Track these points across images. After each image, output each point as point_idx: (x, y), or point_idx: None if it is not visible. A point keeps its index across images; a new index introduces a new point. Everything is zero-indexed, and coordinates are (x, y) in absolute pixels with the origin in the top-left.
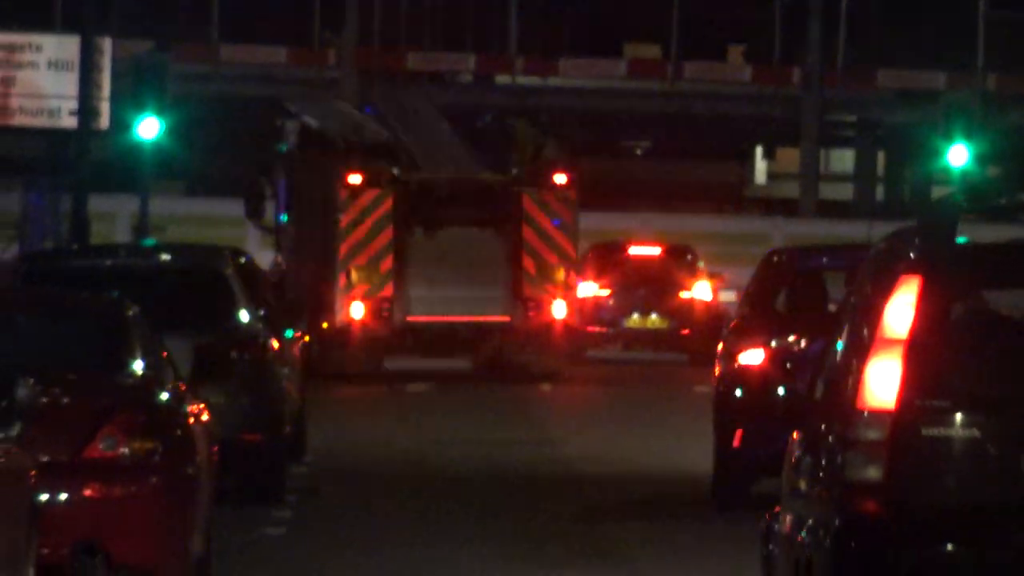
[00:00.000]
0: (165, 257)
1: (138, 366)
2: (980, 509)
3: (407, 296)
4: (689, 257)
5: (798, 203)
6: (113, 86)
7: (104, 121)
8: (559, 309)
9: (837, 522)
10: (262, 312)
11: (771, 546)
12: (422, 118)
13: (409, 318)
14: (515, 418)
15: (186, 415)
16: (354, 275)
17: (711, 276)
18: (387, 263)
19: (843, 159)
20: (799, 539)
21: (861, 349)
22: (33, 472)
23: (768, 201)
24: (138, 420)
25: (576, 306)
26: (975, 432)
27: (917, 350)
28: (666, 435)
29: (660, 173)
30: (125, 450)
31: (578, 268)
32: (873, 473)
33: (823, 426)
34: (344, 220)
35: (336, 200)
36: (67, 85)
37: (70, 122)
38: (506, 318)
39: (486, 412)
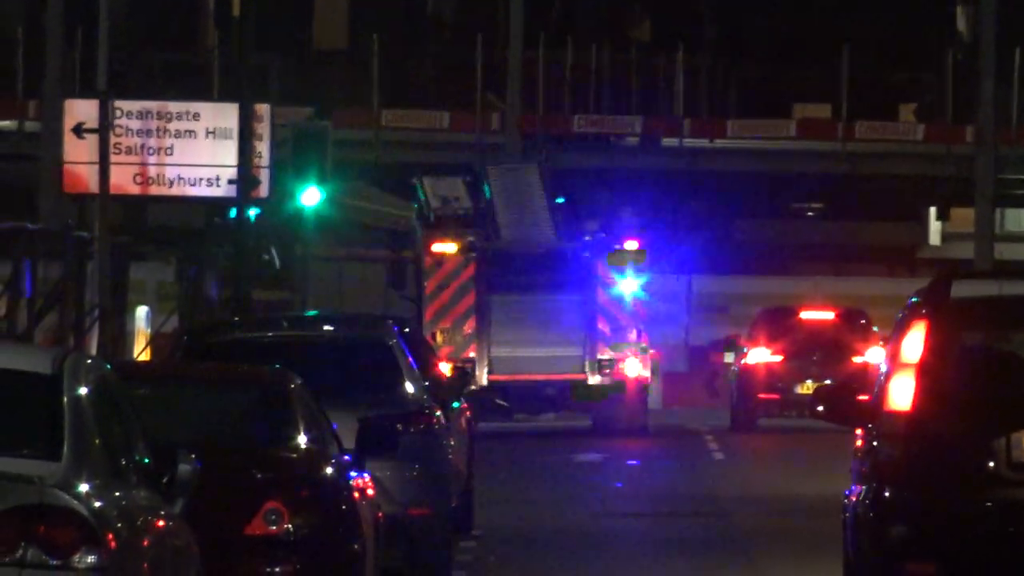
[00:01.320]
0: (329, 328)
1: (302, 440)
2: (967, 476)
3: (488, 357)
4: (862, 321)
5: (973, 264)
6: (273, 154)
7: (264, 190)
8: (632, 367)
9: (872, 484)
10: (427, 383)
11: (846, 512)
12: (524, 187)
13: (490, 377)
14: (683, 486)
15: (351, 490)
16: (439, 337)
17: (885, 340)
18: (470, 325)
19: (1019, 218)
20: (856, 501)
21: (890, 371)
22: (196, 549)
23: (942, 262)
24: (302, 496)
25: (746, 373)
26: (964, 426)
27: (924, 372)
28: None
29: (831, 235)
30: (288, 526)
31: (749, 335)
32: (895, 454)
33: (870, 424)
34: (430, 286)
35: (423, 267)
36: (226, 154)
37: (229, 191)
38: (582, 376)
39: (652, 479)
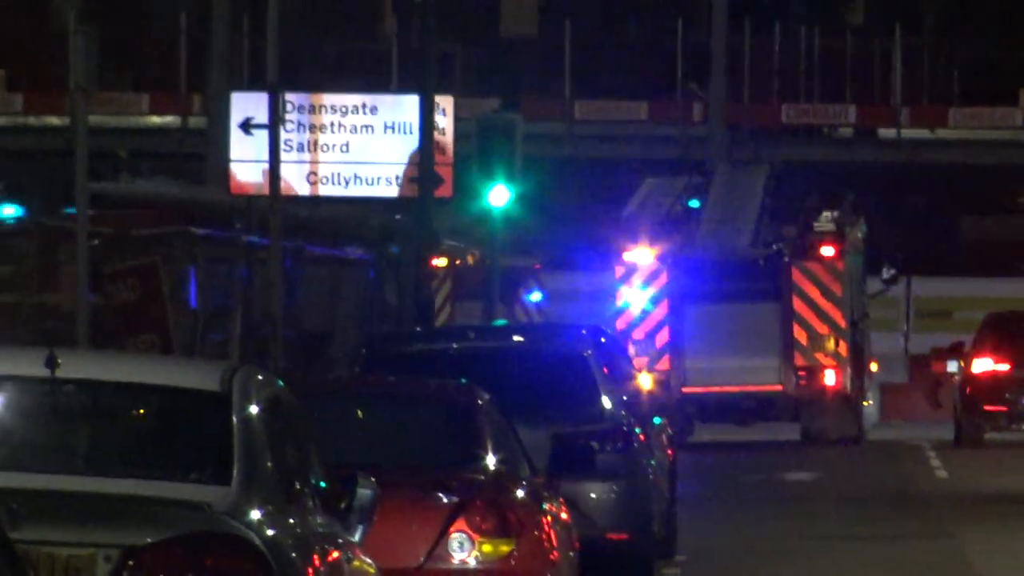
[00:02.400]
0: (518, 338)
1: (491, 460)
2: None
3: (683, 368)
4: None
5: None
6: (457, 150)
7: (448, 189)
8: (830, 377)
9: None
10: (625, 397)
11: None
12: (743, 190)
13: (685, 389)
14: (904, 507)
15: (544, 513)
16: (631, 349)
17: None
18: (663, 337)
19: None
20: None
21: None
22: None
23: None
24: (491, 520)
25: (971, 383)
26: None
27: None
28: None
29: None
30: (477, 553)
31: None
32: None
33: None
34: (621, 296)
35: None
36: (406, 150)
37: (410, 190)
38: (779, 387)
39: (872, 500)
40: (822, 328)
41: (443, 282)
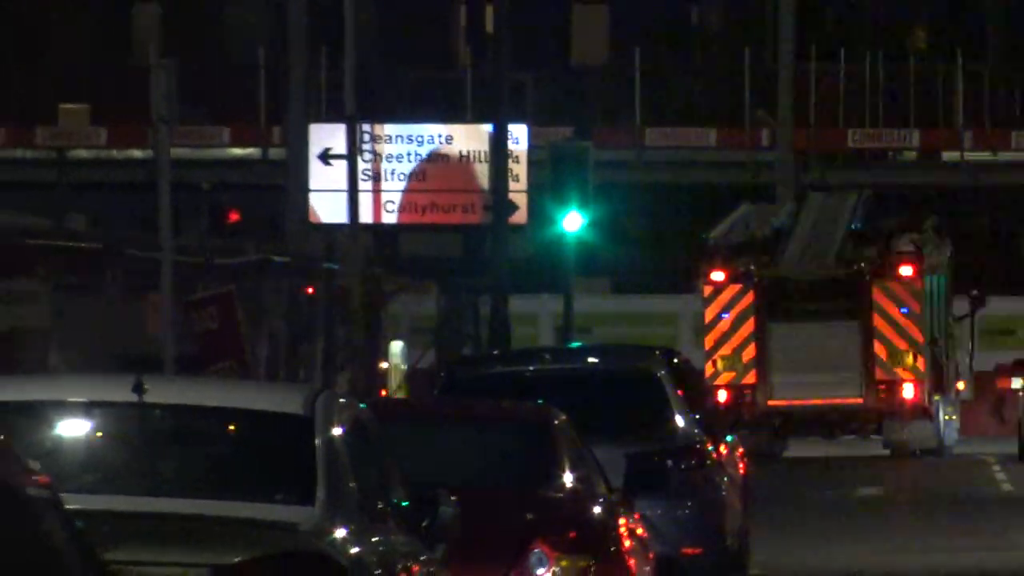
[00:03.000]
0: (593, 360)
1: (567, 478)
2: None
3: (769, 382)
4: None
5: None
6: (531, 177)
7: (523, 215)
8: (908, 391)
9: None
10: (698, 415)
11: None
12: (834, 213)
13: (770, 403)
14: (970, 518)
15: (620, 529)
16: (720, 364)
17: None
18: (749, 352)
19: None
20: None
21: None
22: None
23: None
24: (569, 538)
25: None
26: None
27: None
28: None
29: None
30: (556, 569)
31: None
32: None
33: None
34: (709, 314)
35: (700, 296)
36: (481, 178)
37: (486, 217)
38: (860, 400)
39: (938, 512)
40: (901, 344)
41: None
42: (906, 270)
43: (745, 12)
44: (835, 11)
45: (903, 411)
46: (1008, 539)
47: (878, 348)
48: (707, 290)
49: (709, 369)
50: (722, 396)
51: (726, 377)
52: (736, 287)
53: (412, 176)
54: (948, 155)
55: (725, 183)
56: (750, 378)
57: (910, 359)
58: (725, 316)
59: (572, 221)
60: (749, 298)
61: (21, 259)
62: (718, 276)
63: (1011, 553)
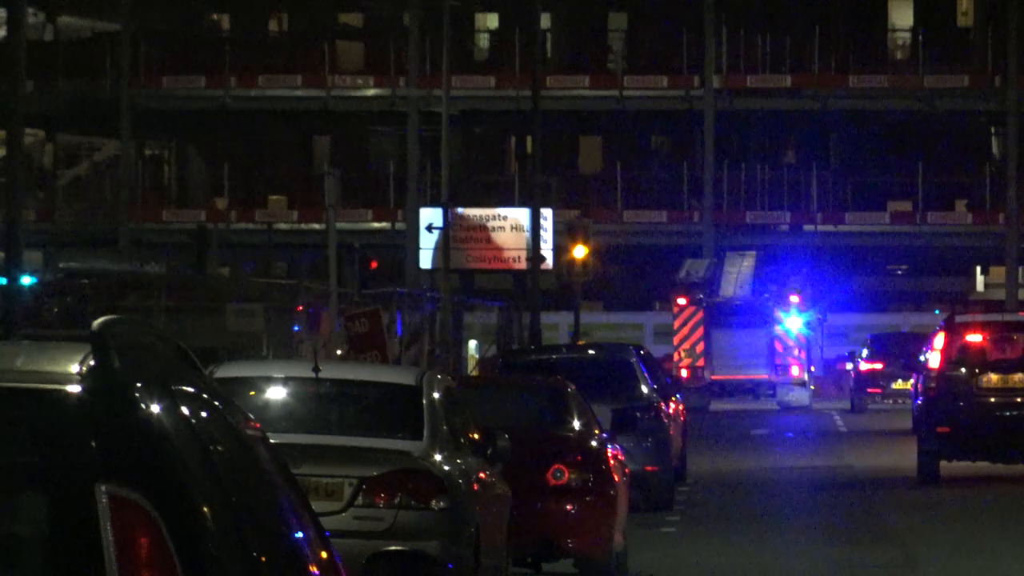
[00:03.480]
0: (591, 352)
1: (576, 424)
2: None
3: (711, 365)
4: None
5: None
6: (554, 240)
7: (549, 264)
8: (795, 370)
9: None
10: (656, 386)
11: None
12: (741, 265)
13: (713, 376)
14: (819, 445)
15: (608, 455)
16: (683, 354)
17: None
18: (700, 347)
19: None
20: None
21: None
22: (509, 495)
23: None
24: (577, 459)
25: None
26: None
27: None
28: None
29: None
30: (569, 479)
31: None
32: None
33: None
34: (676, 324)
35: (671, 313)
36: (524, 240)
37: (527, 265)
38: (764, 375)
39: (804, 443)
40: (790, 344)
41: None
42: (794, 299)
43: (682, 137)
44: (738, 134)
45: (790, 383)
46: (840, 455)
47: (778, 345)
48: (675, 309)
49: (676, 356)
50: (684, 373)
51: (687, 361)
52: (692, 308)
53: (482, 240)
54: (808, 227)
55: (672, 245)
56: (700, 362)
57: (795, 351)
58: (685, 326)
59: (579, 272)
60: (700, 315)
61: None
62: (682, 301)
63: (841, 460)
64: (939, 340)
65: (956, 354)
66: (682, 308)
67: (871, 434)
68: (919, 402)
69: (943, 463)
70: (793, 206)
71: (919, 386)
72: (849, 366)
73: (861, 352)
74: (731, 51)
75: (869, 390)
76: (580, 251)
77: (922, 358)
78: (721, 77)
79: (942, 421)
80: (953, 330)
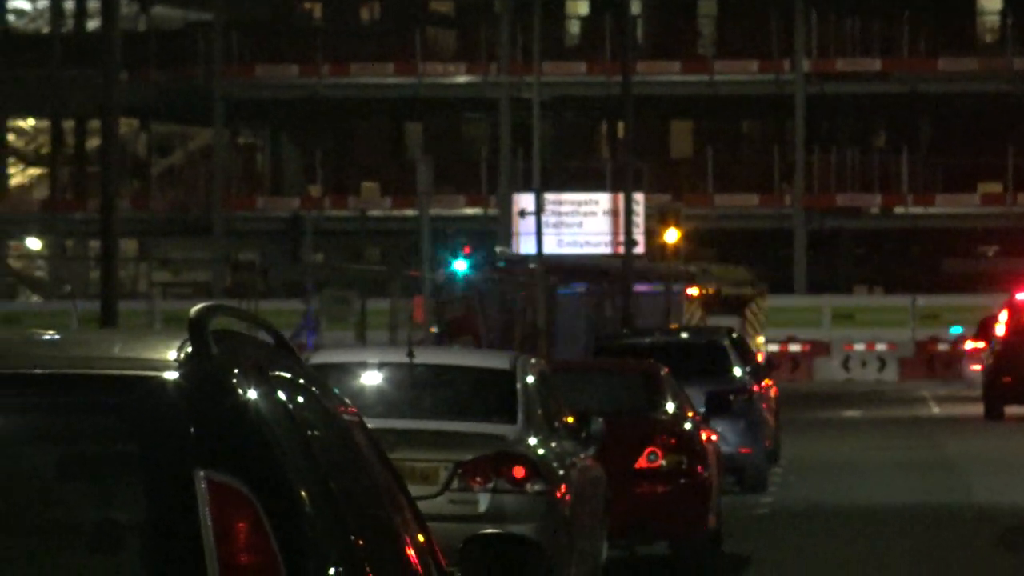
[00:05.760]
0: (684, 336)
1: (670, 407)
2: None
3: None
4: None
5: None
6: (646, 224)
7: (641, 248)
8: None
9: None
10: (748, 368)
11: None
12: None
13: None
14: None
15: (702, 437)
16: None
17: None
18: None
19: None
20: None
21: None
22: (604, 478)
23: None
24: (671, 442)
25: None
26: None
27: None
28: None
29: None
30: (663, 462)
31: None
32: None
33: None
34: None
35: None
36: (615, 225)
37: (619, 249)
38: None
39: (901, 429)
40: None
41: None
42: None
43: (773, 121)
44: (828, 117)
45: None
46: (932, 436)
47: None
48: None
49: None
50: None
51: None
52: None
53: (574, 225)
54: (899, 210)
55: (763, 228)
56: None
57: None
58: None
59: (670, 253)
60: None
61: (343, 277)
62: (692, 292)
63: (932, 441)
64: (1004, 314)
65: (1016, 324)
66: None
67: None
68: (990, 361)
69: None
70: (883, 189)
71: (990, 349)
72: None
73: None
74: (821, 35)
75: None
76: (672, 235)
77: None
78: (811, 61)
79: (1005, 373)
80: (1014, 306)
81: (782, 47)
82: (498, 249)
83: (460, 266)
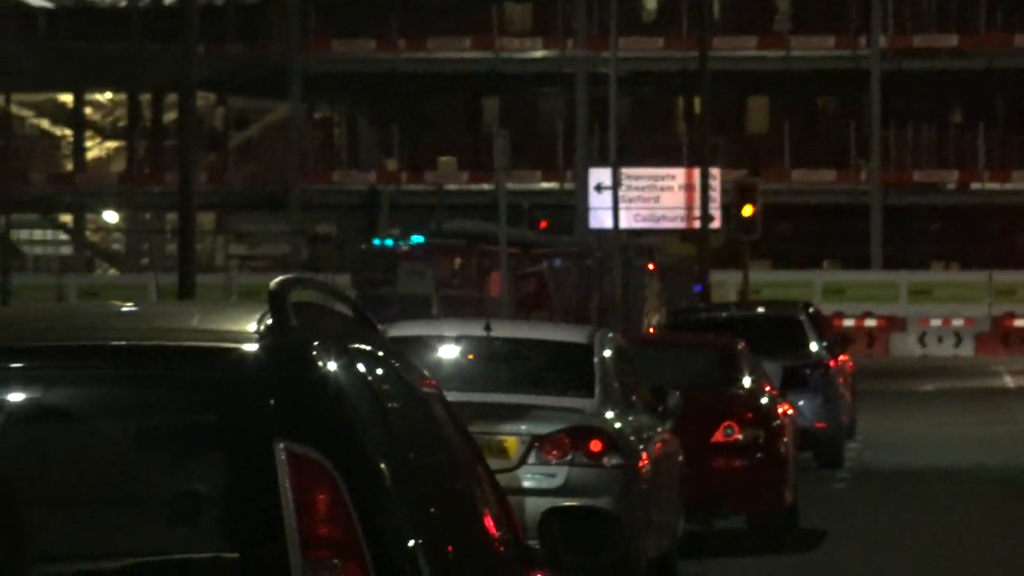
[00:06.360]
0: (760, 310)
1: (747, 381)
2: None
3: None
4: None
5: None
6: (722, 199)
7: (717, 223)
8: None
9: None
10: (825, 343)
11: None
12: None
13: None
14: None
15: (778, 413)
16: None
17: None
18: None
19: None
20: None
21: None
22: (681, 452)
23: None
24: (747, 416)
25: None
26: None
27: None
28: None
29: None
30: (740, 437)
31: None
32: None
33: None
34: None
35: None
36: (691, 200)
37: (694, 224)
38: None
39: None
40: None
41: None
42: None
43: (849, 96)
44: (904, 93)
45: None
46: (1011, 412)
47: None
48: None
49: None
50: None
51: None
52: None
53: (650, 199)
54: (973, 186)
55: (839, 203)
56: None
57: None
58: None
59: (748, 225)
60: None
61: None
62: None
63: (1011, 417)
64: None
65: None
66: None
67: None
68: None
69: None
70: (959, 165)
71: None
72: (1020, 322)
73: None
74: (897, 11)
75: None
76: (748, 210)
77: None
78: (887, 37)
79: None
80: None
81: (859, 23)
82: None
83: (385, 237)
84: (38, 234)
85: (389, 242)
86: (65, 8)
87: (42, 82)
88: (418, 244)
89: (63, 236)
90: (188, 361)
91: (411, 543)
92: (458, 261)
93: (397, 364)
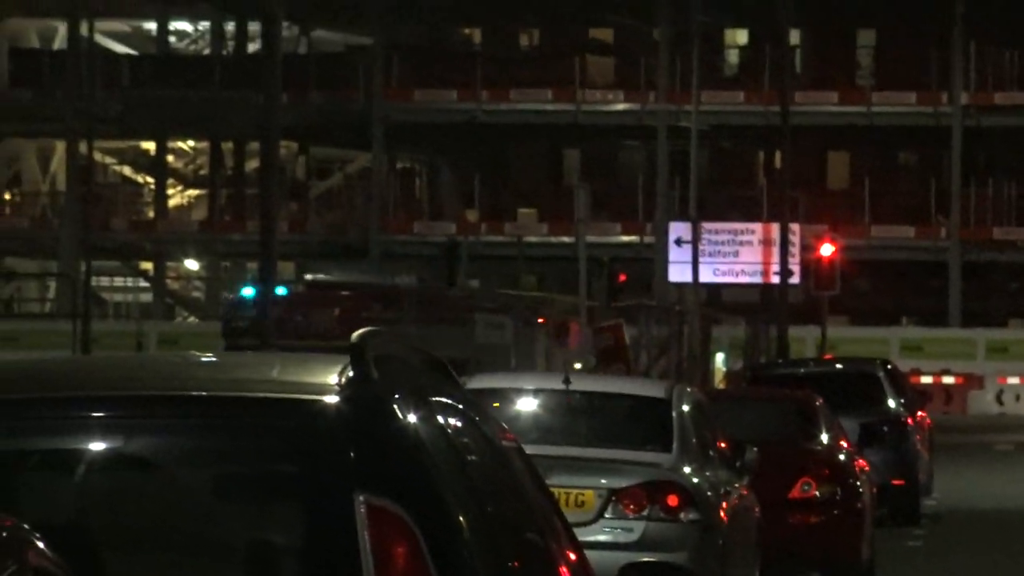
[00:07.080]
0: (838, 366)
1: (824, 437)
2: None
3: None
4: None
5: None
6: (801, 255)
7: (797, 278)
8: None
9: None
10: (902, 400)
11: None
12: None
13: None
14: None
15: (856, 468)
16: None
17: None
18: None
19: None
20: None
21: None
22: (757, 507)
23: None
24: (824, 473)
25: None
26: None
27: None
28: None
29: None
30: (816, 493)
31: None
32: None
33: None
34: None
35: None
36: (770, 255)
37: (772, 279)
38: None
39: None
40: None
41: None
42: None
43: (930, 152)
44: (985, 150)
45: None
46: None
47: None
48: None
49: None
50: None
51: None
52: None
53: (730, 253)
54: None
55: (918, 260)
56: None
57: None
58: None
59: (827, 279)
60: None
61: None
62: None
63: None
64: None
65: None
66: None
67: None
68: None
69: None
70: None
71: None
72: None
73: None
74: (979, 67)
75: None
76: (827, 266)
77: None
78: (969, 94)
79: None
80: None
81: (940, 79)
82: (308, 276)
83: (248, 292)
84: (119, 281)
85: (250, 293)
86: (149, 56)
87: (125, 130)
88: (282, 295)
89: (143, 283)
90: (270, 412)
91: None
92: (326, 309)
93: (476, 417)
